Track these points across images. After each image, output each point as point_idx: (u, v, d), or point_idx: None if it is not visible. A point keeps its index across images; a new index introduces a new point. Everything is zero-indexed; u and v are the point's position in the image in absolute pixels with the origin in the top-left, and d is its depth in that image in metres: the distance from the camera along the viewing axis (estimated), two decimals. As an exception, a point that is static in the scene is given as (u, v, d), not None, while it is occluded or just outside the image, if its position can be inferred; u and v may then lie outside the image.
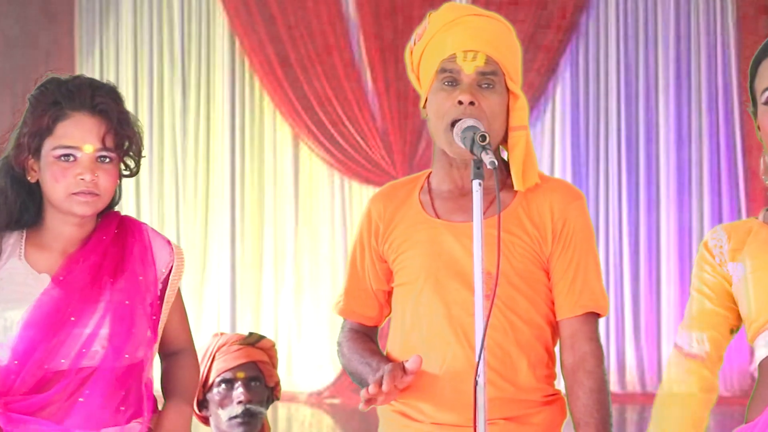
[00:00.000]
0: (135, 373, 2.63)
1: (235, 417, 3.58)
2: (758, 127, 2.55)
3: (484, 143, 2.52)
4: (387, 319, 3.01)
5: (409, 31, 10.09)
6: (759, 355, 2.56)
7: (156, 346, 2.70)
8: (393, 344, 2.92)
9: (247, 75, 10.09)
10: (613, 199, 9.81)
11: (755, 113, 2.56)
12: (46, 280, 2.61)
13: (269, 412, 3.73)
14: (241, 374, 3.61)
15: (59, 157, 2.58)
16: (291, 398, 9.50)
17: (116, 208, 2.75)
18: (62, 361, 2.57)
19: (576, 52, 9.91)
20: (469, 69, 2.76)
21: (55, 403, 2.56)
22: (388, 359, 2.88)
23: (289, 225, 10.05)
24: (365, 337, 2.99)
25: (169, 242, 2.75)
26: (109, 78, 9.95)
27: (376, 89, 9.81)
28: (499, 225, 2.50)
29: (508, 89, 2.80)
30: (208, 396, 3.62)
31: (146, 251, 2.68)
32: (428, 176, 2.92)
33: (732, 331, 2.67)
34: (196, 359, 2.83)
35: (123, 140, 2.62)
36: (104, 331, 2.59)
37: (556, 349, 2.88)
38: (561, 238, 2.79)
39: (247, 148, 10.10)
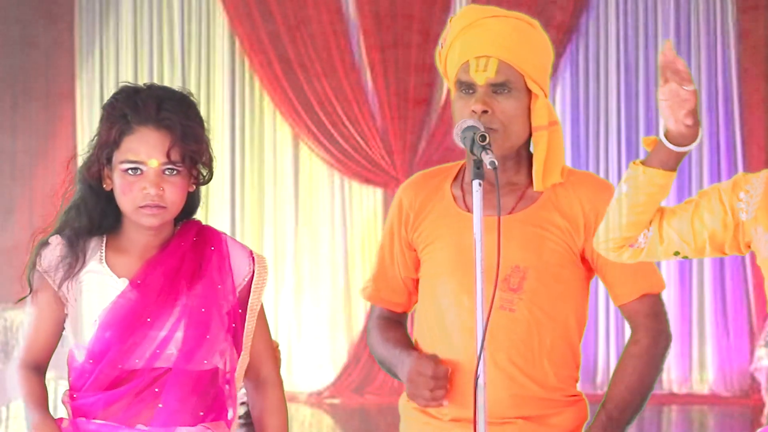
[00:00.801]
0: (213, 379, 2.65)
1: (238, 418, 3.58)
2: None
3: (483, 143, 2.53)
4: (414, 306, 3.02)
5: (409, 31, 10.13)
6: None
7: (245, 357, 2.72)
8: (419, 333, 2.92)
9: (247, 75, 10.09)
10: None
11: None
12: (124, 284, 2.64)
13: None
14: None
15: (126, 170, 2.62)
16: (291, 398, 9.50)
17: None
18: (136, 361, 2.61)
19: (576, 52, 9.91)
20: (480, 80, 2.78)
21: (125, 400, 2.60)
22: (415, 348, 2.87)
23: (289, 225, 10.05)
24: (394, 324, 2.99)
25: (250, 252, 2.76)
26: (109, 78, 10.04)
27: (376, 89, 9.81)
28: (499, 227, 2.50)
29: (529, 90, 2.81)
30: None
31: (224, 260, 2.71)
32: (461, 167, 2.92)
33: (675, 254, 2.58)
34: (283, 394, 2.85)
35: (188, 153, 2.65)
36: (179, 335, 2.62)
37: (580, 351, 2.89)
38: (595, 229, 2.77)
39: (247, 148, 10.10)
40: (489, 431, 2.56)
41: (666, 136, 2.45)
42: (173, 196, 2.64)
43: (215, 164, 2.76)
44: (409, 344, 2.91)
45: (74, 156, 2.76)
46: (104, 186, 2.67)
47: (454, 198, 2.88)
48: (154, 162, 2.61)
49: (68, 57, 10.02)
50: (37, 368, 2.70)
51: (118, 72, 10.07)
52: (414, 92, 9.81)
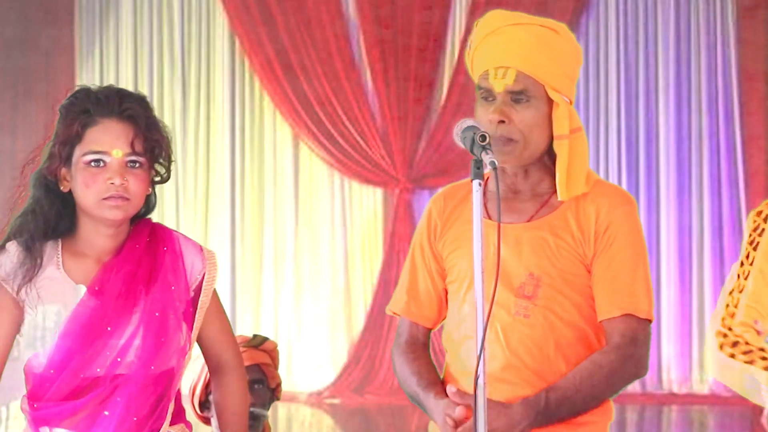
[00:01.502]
0: (165, 382, 2.65)
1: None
2: None
3: (483, 143, 2.52)
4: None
5: (409, 31, 10.12)
6: None
7: (189, 356, 2.71)
8: (446, 341, 2.93)
9: (247, 75, 10.08)
10: (613, 199, 9.80)
11: None
12: (82, 291, 2.63)
13: (269, 412, 3.73)
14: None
15: (89, 162, 2.61)
16: (291, 398, 9.50)
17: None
18: (98, 369, 2.60)
19: (576, 52, 9.89)
20: (499, 87, 2.78)
21: (88, 409, 2.60)
22: (442, 384, 2.85)
23: (289, 225, 10.05)
24: (420, 350, 2.96)
25: (201, 248, 2.76)
26: (109, 78, 10.03)
27: (376, 89, 9.81)
28: (499, 229, 2.50)
29: (549, 99, 2.80)
30: (210, 397, 3.62)
31: (177, 259, 2.70)
32: (487, 177, 2.93)
33: None
34: (245, 378, 2.83)
35: (152, 145, 2.65)
36: (137, 342, 2.61)
37: None
38: (603, 240, 2.79)
39: (247, 148, 10.09)
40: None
41: None
42: (136, 188, 2.62)
43: (183, 166, 2.75)
44: (435, 379, 2.89)
45: (28, 161, 2.77)
46: (61, 187, 2.66)
47: None
48: (118, 152, 2.61)
49: (68, 57, 10.02)
50: None
51: (118, 72, 10.07)
52: (414, 92, 9.81)
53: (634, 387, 9.52)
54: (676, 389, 9.64)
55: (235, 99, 10.09)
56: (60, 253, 2.66)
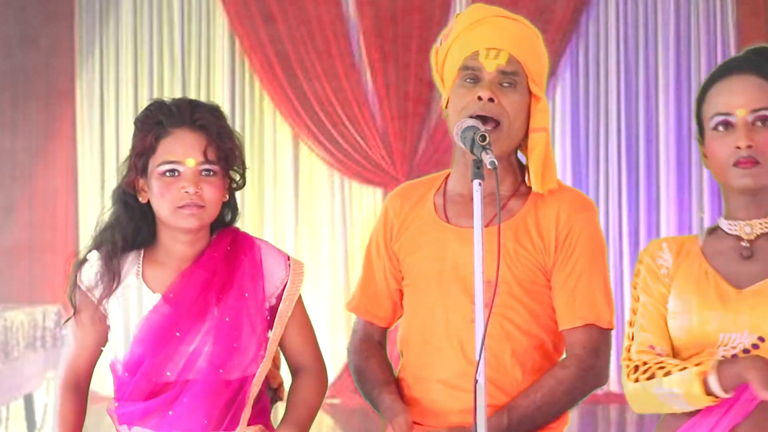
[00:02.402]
0: (237, 388, 2.70)
1: None
2: (704, 155, 2.61)
3: (484, 143, 2.51)
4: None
5: (410, 31, 10.12)
6: None
7: (267, 363, 2.76)
8: (403, 344, 2.92)
9: (247, 75, 10.08)
10: (613, 199, 9.81)
11: (702, 140, 2.61)
12: (157, 299, 2.69)
13: (272, 413, 3.72)
14: None
15: (164, 173, 2.67)
16: (291, 398, 9.49)
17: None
18: (168, 374, 2.66)
19: (576, 52, 9.91)
20: (490, 66, 2.76)
21: (159, 411, 2.66)
22: (397, 387, 2.85)
23: (289, 225, 10.05)
24: (375, 348, 2.98)
25: (286, 257, 2.82)
26: (109, 78, 10.04)
27: (376, 89, 9.80)
28: (499, 228, 2.49)
29: (530, 91, 2.80)
30: None
31: (256, 268, 2.75)
32: (446, 177, 2.91)
33: None
34: (321, 379, 2.89)
35: (225, 153, 2.71)
36: (208, 349, 2.67)
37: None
38: (563, 248, 2.77)
39: (247, 148, 10.05)
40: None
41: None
42: (211, 195, 2.69)
43: (248, 172, 2.80)
44: (389, 378, 2.89)
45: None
46: (140, 198, 2.71)
47: (435, 206, 2.86)
48: (191, 161, 2.66)
49: (68, 57, 10.02)
50: (77, 388, 2.76)
51: (118, 72, 10.07)
52: (414, 92, 9.81)
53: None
54: (676, 389, 9.63)
55: (235, 99, 10.09)
56: (141, 262, 2.72)
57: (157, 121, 2.69)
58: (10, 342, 6.91)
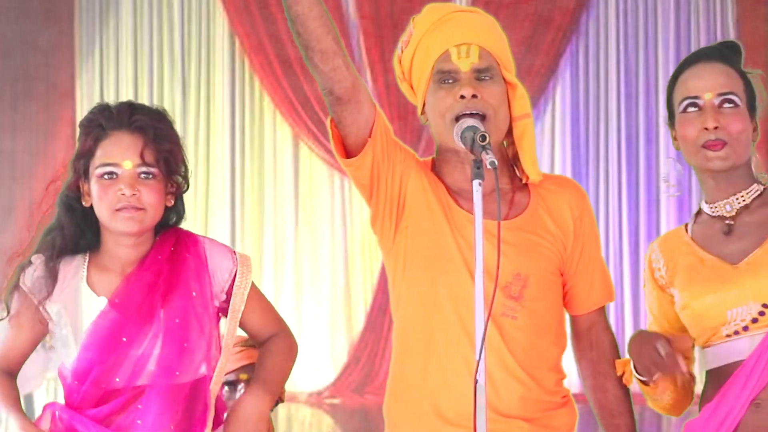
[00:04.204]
0: (195, 390, 2.67)
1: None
2: (674, 138, 2.75)
3: (484, 143, 2.50)
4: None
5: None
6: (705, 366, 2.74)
7: (224, 360, 2.73)
8: (411, 342, 2.82)
9: (247, 75, 10.09)
10: (613, 199, 9.81)
11: (672, 124, 2.76)
12: (104, 303, 2.67)
13: (272, 413, 3.71)
14: (243, 376, 3.59)
15: (102, 175, 2.65)
16: (291, 398, 9.50)
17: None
18: (117, 380, 2.64)
19: (576, 52, 9.91)
20: (465, 66, 2.75)
21: (113, 418, 2.63)
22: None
23: (289, 225, 10.05)
24: None
25: (231, 252, 2.80)
26: (109, 78, 10.04)
27: (376, 89, 9.80)
28: (499, 227, 2.48)
29: (505, 80, 2.80)
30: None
31: (201, 265, 2.73)
32: (431, 168, 2.88)
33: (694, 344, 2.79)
34: (289, 342, 2.83)
35: (163, 155, 2.68)
36: (156, 351, 2.64)
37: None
38: (581, 237, 2.82)
39: (247, 148, 10.09)
40: (492, 428, 2.57)
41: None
42: (150, 198, 2.65)
43: (212, 168, 2.79)
44: None
45: (55, 179, 2.79)
46: (83, 202, 2.70)
47: (450, 195, 2.82)
48: (128, 163, 2.64)
49: (68, 57, 10.02)
50: (10, 373, 2.75)
51: (118, 72, 10.07)
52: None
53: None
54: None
55: (235, 99, 10.09)
56: (86, 267, 2.70)
57: (98, 123, 2.68)
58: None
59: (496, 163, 2.46)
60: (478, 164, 2.48)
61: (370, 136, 2.74)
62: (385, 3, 9.74)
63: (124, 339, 2.62)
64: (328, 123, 2.78)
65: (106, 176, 2.65)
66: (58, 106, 10.02)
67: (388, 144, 2.78)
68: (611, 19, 9.86)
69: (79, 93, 10.08)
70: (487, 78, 2.75)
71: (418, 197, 2.79)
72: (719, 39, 9.74)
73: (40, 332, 2.71)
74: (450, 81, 2.76)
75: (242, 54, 10.04)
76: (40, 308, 2.68)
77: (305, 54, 2.67)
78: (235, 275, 2.76)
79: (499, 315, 2.71)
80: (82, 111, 10.07)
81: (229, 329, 2.74)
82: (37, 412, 2.74)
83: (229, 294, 2.74)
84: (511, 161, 2.86)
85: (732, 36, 9.74)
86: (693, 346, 2.72)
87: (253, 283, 2.79)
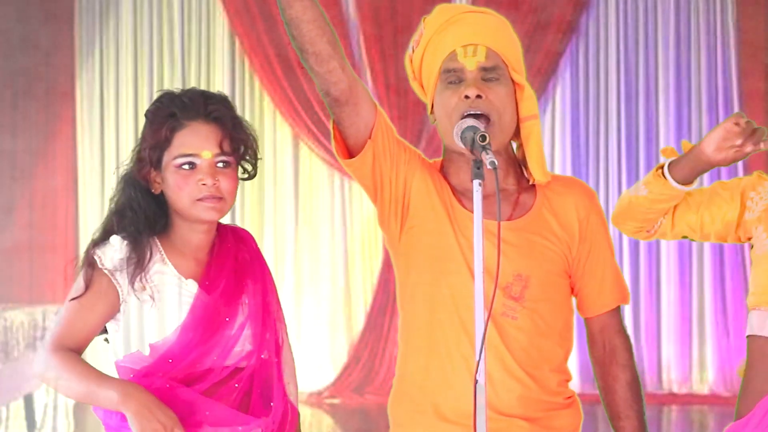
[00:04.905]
0: (269, 372, 2.72)
1: None
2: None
3: (484, 143, 2.50)
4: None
5: (409, 31, 10.08)
6: (748, 330, 2.70)
7: (286, 349, 2.80)
8: (416, 331, 2.83)
9: (247, 75, 10.09)
10: (613, 199, 9.80)
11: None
12: (192, 285, 2.69)
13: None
14: None
15: (181, 165, 2.66)
16: (291, 398, 9.49)
17: None
18: (214, 359, 2.66)
19: (576, 52, 9.91)
20: (471, 65, 2.76)
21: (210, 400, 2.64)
22: None
23: (289, 225, 10.05)
24: None
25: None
26: (109, 78, 10.04)
27: (376, 89, 9.80)
28: (499, 227, 2.48)
29: (513, 81, 2.80)
30: None
31: (259, 257, 2.82)
32: (440, 169, 2.90)
33: (692, 233, 2.84)
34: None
35: (239, 144, 2.72)
36: (247, 332, 2.69)
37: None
38: (588, 239, 2.81)
39: (247, 148, 10.08)
40: (492, 426, 2.59)
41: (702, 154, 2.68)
42: (228, 187, 2.70)
43: (260, 163, 2.81)
44: None
45: (118, 167, 2.77)
46: (153, 190, 2.70)
47: (455, 195, 2.83)
48: (207, 153, 2.66)
49: (68, 57, 10.02)
50: (78, 351, 2.68)
51: (118, 72, 10.07)
52: (414, 92, 9.80)
53: (646, 389, 9.51)
54: (676, 389, 9.64)
55: (235, 99, 10.08)
56: (161, 249, 2.71)
57: (171, 113, 2.67)
58: (10, 342, 6.91)
59: (496, 163, 2.46)
60: (478, 164, 2.48)
61: (370, 137, 2.75)
62: (385, 3, 9.74)
63: (227, 319, 2.66)
64: (330, 124, 2.80)
65: (185, 166, 2.66)
66: (58, 106, 10.01)
67: (390, 145, 2.80)
68: (611, 19, 9.86)
69: (79, 93, 10.08)
70: (494, 78, 2.76)
71: (423, 198, 2.80)
72: (719, 39, 9.75)
73: (110, 314, 2.68)
74: (456, 81, 2.77)
75: (242, 54, 10.04)
76: (124, 290, 2.65)
77: (301, 56, 2.69)
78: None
79: (499, 315, 2.72)
80: (82, 111, 10.08)
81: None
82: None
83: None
84: (519, 162, 2.86)
85: (732, 36, 9.75)
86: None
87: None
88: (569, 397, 2.84)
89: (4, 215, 9.70)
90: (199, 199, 2.66)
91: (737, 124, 2.60)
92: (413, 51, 2.87)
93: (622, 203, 2.87)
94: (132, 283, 2.65)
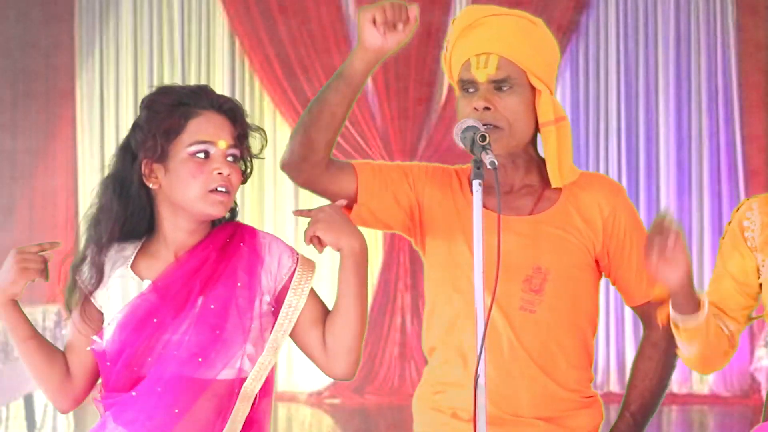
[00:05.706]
0: (231, 393, 2.55)
1: None
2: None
3: (483, 143, 2.51)
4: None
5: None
6: None
7: (267, 358, 2.60)
8: (432, 331, 2.87)
9: (247, 75, 10.09)
10: (613, 199, 9.81)
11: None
12: (146, 285, 2.59)
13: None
14: None
15: (195, 153, 2.55)
16: (291, 398, 9.50)
17: None
18: (149, 360, 2.54)
19: (576, 52, 9.91)
20: (481, 77, 2.76)
21: (137, 404, 2.53)
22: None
23: (289, 225, 10.05)
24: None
25: (293, 251, 2.74)
26: (109, 78, 10.04)
27: (376, 89, 9.81)
28: (499, 226, 2.48)
29: (532, 86, 2.80)
30: None
31: (256, 257, 2.66)
32: (457, 172, 2.91)
33: (750, 318, 2.78)
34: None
35: (246, 141, 2.64)
36: (190, 338, 2.54)
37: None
38: (615, 235, 2.80)
39: (247, 148, 10.09)
40: (508, 429, 2.61)
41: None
42: (236, 181, 2.62)
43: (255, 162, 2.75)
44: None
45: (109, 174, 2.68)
46: (150, 184, 2.59)
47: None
48: (222, 143, 2.57)
49: (68, 57, 10.03)
50: (68, 369, 2.63)
51: (118, 72, 10.08)
52: (414, 92, 9.81)
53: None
54: (676, 389, 9.64)
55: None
56: (135, 253, 2.62)
57: (180, 101, 2.57)
58: (10, 342, 6.91)
59: (496, 163, 2.47)
60: (478, 164, 2.48)
61: (356, 202, 2.86)
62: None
63: (155, 320, 2.53)
64: None
65: (200, 154, 2.55)
66: (58, 106, 10.02)
67: (386, 192, 2.87)
68: (611, 19, 9.87)
69: (79, 93, 10.08)
70: (506, 88, 2.77)
71: (434, 211, 2.85)
72: (719, 39, 9.76)
73: (99, 328, 2.60)
74: (471, 90, 2.79)
75: (242, 54, 10.04)
76: (90, 299, 2.60)
77: (304, 128, 2.85)
78: (293, 274, 2.68)
79: (517, 309, 2.73)
80: (82, 111, 10.08)
81: (283, 325, 2.63)
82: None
83: (284, 290, 2.65)
84: (540, 161, 2.86)
85: (732, 36, 9.75)
86: (743, 319, 2.75)
87: (312, 290, 2.73)
88: (590, 397, 2.83)
89: (4, 215, 9.70)
90: (211, 191, 2.55)
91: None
92: (446, 51, 2.90)
93: (700, 367, 2.83)
94: (90, 293, 2.60)
